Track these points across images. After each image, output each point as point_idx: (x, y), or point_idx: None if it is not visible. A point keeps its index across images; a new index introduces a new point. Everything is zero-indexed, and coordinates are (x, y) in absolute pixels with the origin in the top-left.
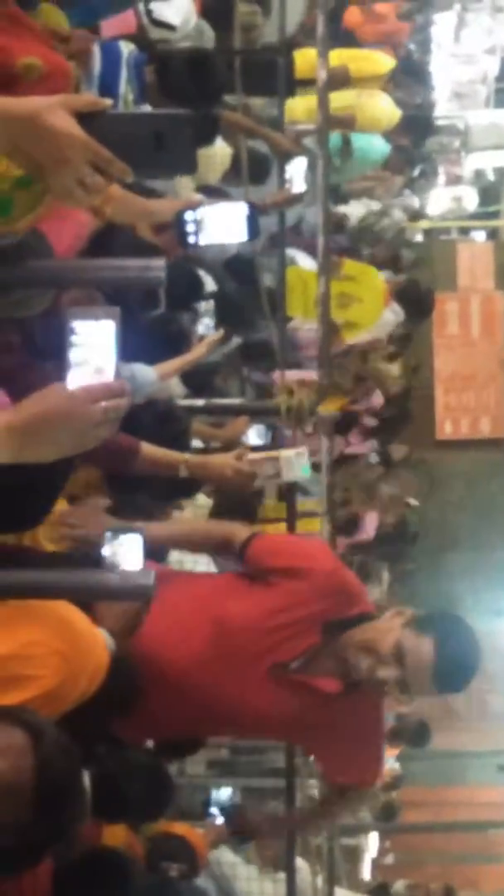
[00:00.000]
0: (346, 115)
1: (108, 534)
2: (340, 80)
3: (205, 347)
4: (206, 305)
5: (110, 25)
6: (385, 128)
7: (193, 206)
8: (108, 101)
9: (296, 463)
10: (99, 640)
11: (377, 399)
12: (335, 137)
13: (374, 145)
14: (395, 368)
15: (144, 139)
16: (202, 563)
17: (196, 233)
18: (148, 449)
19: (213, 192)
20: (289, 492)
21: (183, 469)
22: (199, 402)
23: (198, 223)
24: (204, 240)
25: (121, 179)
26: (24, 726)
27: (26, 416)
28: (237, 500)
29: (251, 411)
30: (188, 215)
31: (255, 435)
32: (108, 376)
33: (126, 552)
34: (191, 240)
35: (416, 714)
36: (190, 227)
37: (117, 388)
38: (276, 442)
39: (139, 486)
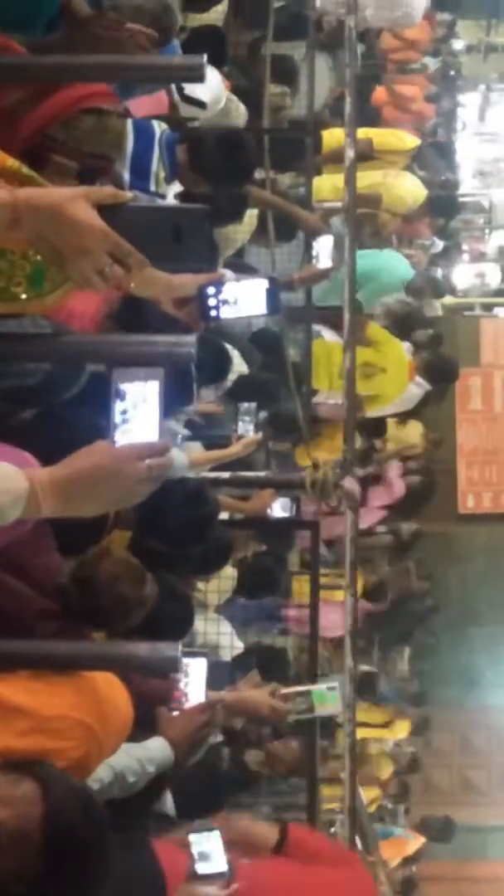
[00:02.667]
0: (372, 194)
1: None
2: (364, 152)
3: (241, 447)
4: (246, 406)
5: (142, 104)
6: (410, 207)
7: (215, 281)
8: (129, 195)
9: (328, 696)
10: (122, 703)
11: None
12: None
13: (395, 272)
14: (413, 434)
15: (163, 231)
16: (226, 634)
17: (217, 307)
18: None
19: (237, 267)
20: (313, 564)
21: (218, 710)
22: (225, 474)
23: (219, 298)
24: (225, 314)
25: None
26: (35, 777)
27: (72, 471)
28: (261, 571)
29: (276, 484)
30: (210, 290)
31: (279, 508)
32: (153, 435)
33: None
34: (212, 314)
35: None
36: (211, 302)
37: (161, 447)
38: (299, 514)
39: (168, 562)
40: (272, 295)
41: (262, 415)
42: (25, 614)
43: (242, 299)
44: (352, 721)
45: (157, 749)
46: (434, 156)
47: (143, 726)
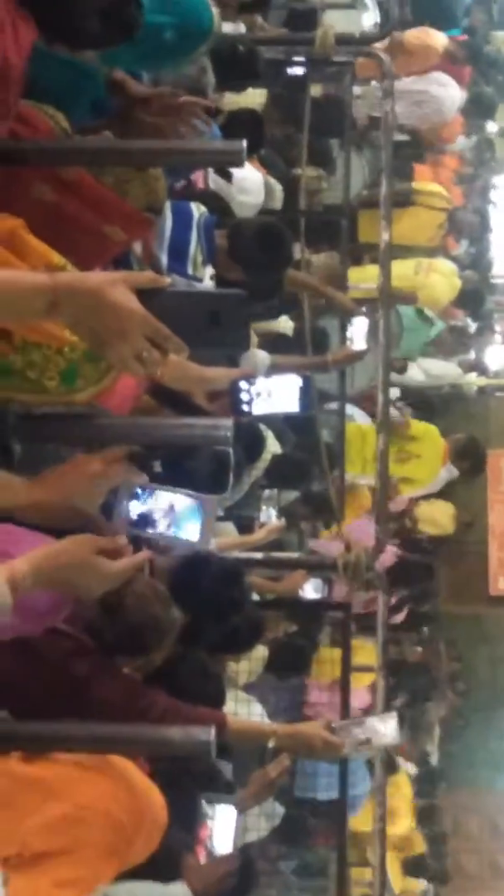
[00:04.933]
0: (408, 293)
1: None
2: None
3: (265, 533)
4: (269, 493)
5: None
6: (445, 305)
7: (249, 377)
8: (168, 280)
9: (382, 728)
10: (156, 800)
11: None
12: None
13: (421, 329)
14: (443, 514)
15: (200, 316)
16: (256, 716)
17: (250, 402)
18: (234, 721)
19: (276, 343)
20: (344, 646)
21: (273, 741)
22: (258, 555)
23: (252, 393)
24: (257, 410)
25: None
26: None
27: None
28: (291, 651)
29: (308, 565)
30: (243, 384)
31: (311, 589)
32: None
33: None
34: (244, 408)
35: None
36: (244, 396)
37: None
38: (331, 595)
39: (200, 639)
40: (305, 393)
41: (288, 497)
42: (57, 652)
43: (275, 395)
44: (382, 804)
45: (181, 894)
46: (470, 224)
47: (169, 869)
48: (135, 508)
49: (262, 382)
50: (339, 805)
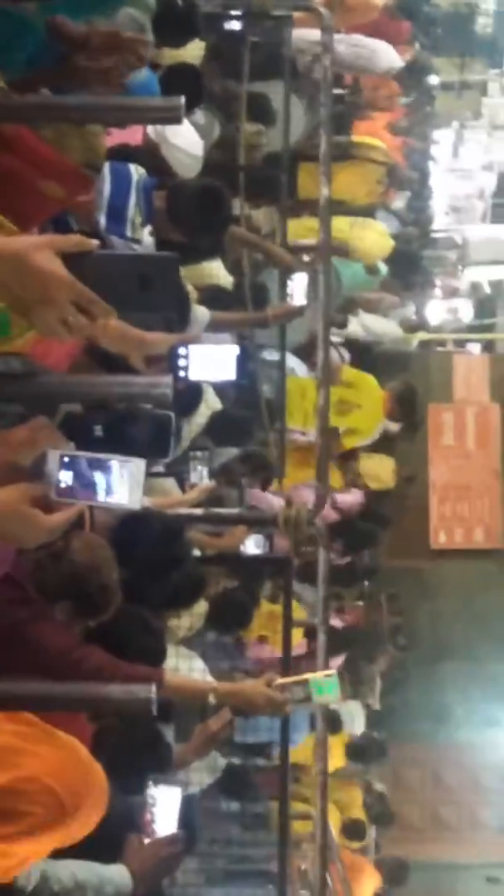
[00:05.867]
0: (340, 243)
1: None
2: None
3: (196, 493)
4: (202, 454)
5: (115, 135)
6: (377, 259)
7: (187, 342)
8: (95, 242)
9: (326, 685)
10: (98, 777)
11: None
12: (347, 263)
13: (358, 275)
14: (384, 469)
15: (130, 280)
16: (198, 671)
17: (187, 368)
18: (172, 678)
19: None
20: (285, 601)
21: (212, 697)
22: (198, 511)
23: (189, 359)
24: (194, 376)
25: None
26: None
27: None
28: (232, 606)
29: (249, 521)
30: (181, 351)
31: (252, 544)
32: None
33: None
34: (181, 374)
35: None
36: (181, 363)
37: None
38: (272, 550)
39: (141, 595)
40: (242, 360)
41: (222, 456)
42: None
43: (212, 363)
44: (323, 758)
45: (118, 875)
46: (409, 178)
47: (111, 850)
48: (64, 477)
49: (199, 349)
50: (281, 763)
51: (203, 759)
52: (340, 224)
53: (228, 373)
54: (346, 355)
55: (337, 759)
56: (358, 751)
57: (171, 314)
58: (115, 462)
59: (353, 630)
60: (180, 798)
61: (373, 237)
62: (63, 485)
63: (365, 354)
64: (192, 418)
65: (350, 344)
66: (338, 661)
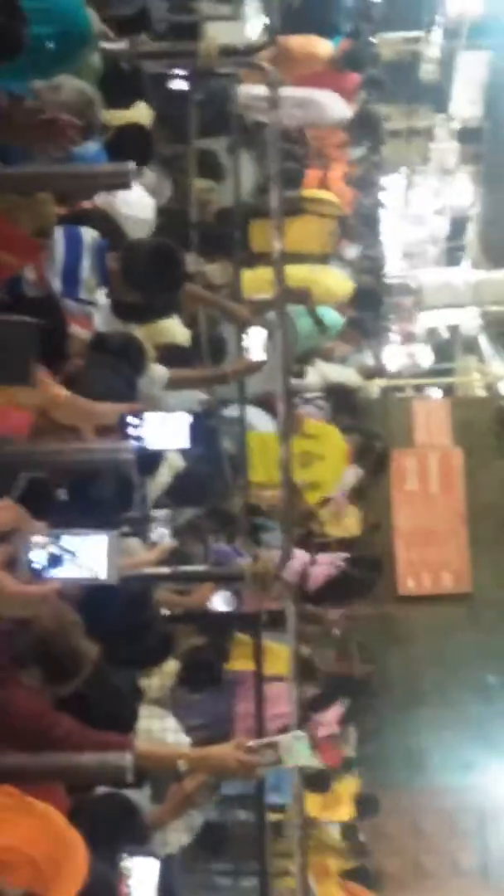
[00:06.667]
0: (301, 289)
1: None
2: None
3: (157, 554)
4: (164, 514)
5: None
6: (339, 301)
7: (136, 412)
8: None
9: (296, 746)
10: (77, 847)
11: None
12: (303, 315)
13: (335, 317)
14: (349, 517)
15: None
16: (170, 731)
17: (139, 438)
18: (141, 746)
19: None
20: (255, 656)
21: (182, 764)
22: (164, 570)
23: (140, 428)
24: (147, 444)
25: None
26: None
27: None
28: (202, 664)
29: (216, 577)
30: (131, 419)
31: (220, 601)
32: None
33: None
34: (135, 443)
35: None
36: (132, 431)
37: None
38: (240, 607)
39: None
40: (194, 428)
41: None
42: None
43: (164, 431)
44: (301, 814)
45: None
46: (361, 228)
47: None
48: (37, 557)
49: (150, 417)
50: (257, 821)
51: (180, 819)
52: (300, 272)
53: (181, 441)
54: (323, 405)
55: (345, 810)
56: (367, 802)
57: (19, 384)
58: (91, 536)
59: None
60: (158, 869)
61: (334, 277)
62: (36, 566)
63: (343, 401)
64: (154, 478)
65: (330, 394)
66: (338, 710)
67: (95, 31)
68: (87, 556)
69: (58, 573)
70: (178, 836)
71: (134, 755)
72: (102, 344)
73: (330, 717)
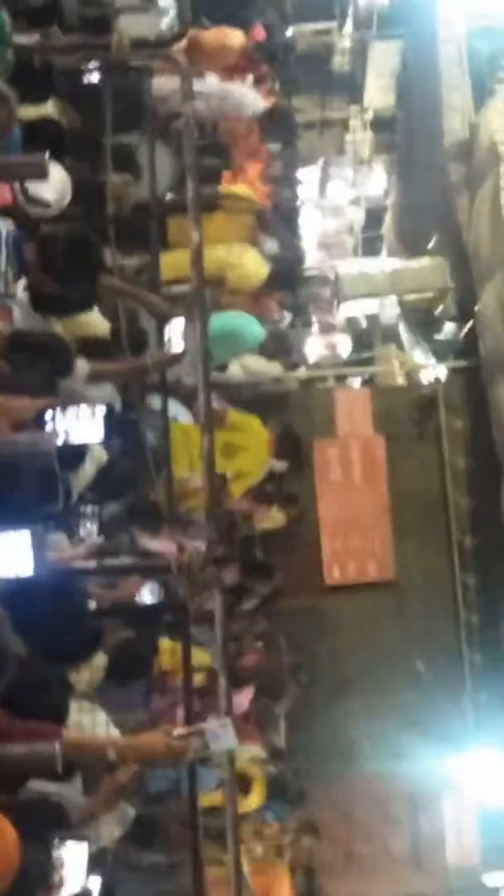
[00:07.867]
0: (216, 275)
1: None
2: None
3: (84, 549)
4: (91, 509)
5: None
6: (255, 284)
7: (53, 406)
8: None
9: (221, 734)
10: (10, 840)
11: None
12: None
13: (248, 333)
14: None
15: None
16: (101, 724)
17: (55, 432)
18: (70, 735)
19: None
20: (184, 648)
21: (111, 752)
22: (91, 564)
23: (56, 424)
24: (64, 438)
25: None
26: None
27: None
28: (131, 658)
29: (143, 570)
30: (47, 415)
31: (148, 593)
32: None
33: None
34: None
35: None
36: (48, 427)
37: None
38: (169, 599)
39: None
40: (109, 422)
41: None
42: None
43: (79, 428)
44: (233, 801)
45: None
46: (278, 223)
47: None
48: None
49: (67, 411)
50: (190, 810)
51: (112, 812)
52: (217, 253)
53: (96, 434)
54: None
55: (255, 798)
56: (277, 789)
57: None
58: (15, 533)
59: (254, 670)
60: (87, 852)
61: (251, 259)
62: None
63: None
64: (78, 472)
65: (230, 388)
66: (247, 694)
67: (9, 29)
68: (10, 554)
69: None
70: (110, 829)
71: (63, 744)
72: (24, 342)
73: (241, 699)
